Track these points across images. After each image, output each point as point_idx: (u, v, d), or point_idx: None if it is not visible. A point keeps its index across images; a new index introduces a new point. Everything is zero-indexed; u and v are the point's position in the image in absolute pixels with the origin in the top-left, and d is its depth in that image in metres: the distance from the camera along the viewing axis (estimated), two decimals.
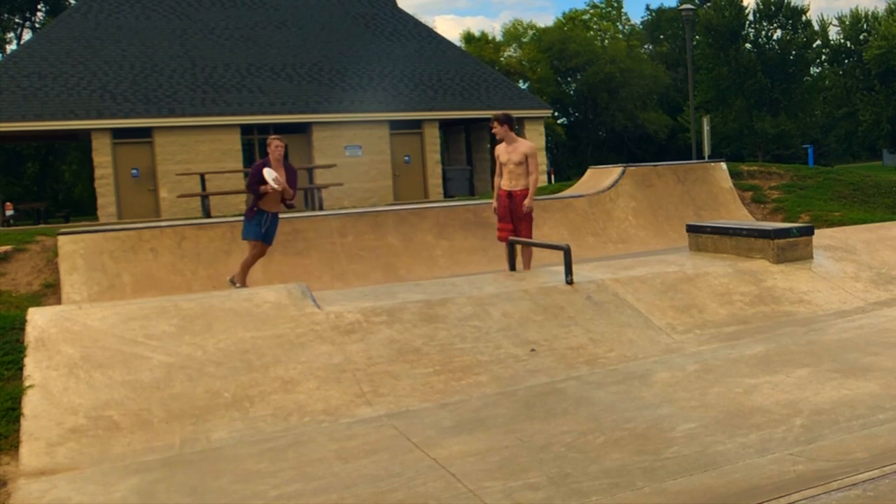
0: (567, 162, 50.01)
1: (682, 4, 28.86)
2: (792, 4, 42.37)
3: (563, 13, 65.13)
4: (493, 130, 8.13)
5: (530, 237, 8.30)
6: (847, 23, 45.58)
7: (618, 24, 59.24)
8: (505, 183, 8.17)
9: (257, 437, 4.52)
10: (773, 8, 42.27)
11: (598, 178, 13.22)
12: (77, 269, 8.93)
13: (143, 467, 4.09)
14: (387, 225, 10.49)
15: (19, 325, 5.50)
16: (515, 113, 10.25)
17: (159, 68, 22.43)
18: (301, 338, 5.50)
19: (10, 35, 43.34)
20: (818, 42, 44.66)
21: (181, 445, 4.43)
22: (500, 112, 8.27)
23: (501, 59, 50.62)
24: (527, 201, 8.10)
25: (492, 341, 5.74)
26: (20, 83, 20.78)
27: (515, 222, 8.15)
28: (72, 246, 9.09)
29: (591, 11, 57.69)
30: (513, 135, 8.15)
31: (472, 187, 25.24)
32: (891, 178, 15.24)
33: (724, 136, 42.36)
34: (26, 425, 4.48)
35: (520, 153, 8.08)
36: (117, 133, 20.76)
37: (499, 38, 55.75)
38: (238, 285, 8.18)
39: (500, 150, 8.20)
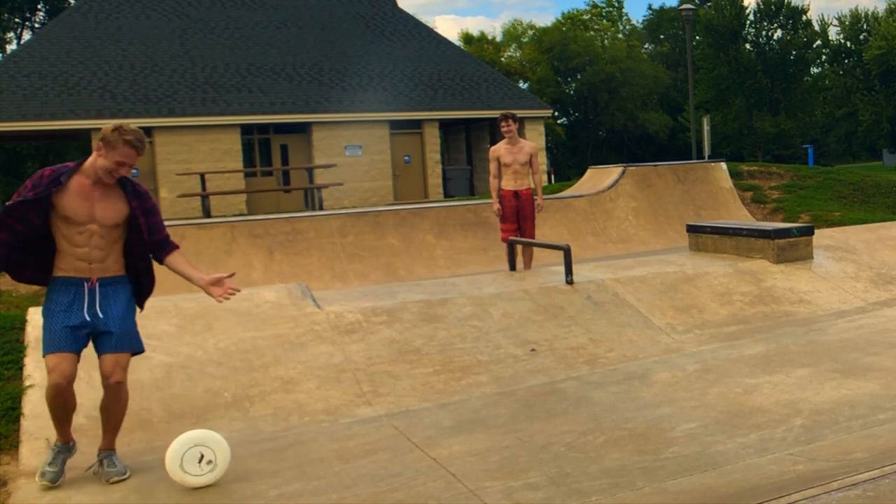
0: (567, 162, 50.02)
1: (682, 4, 28.85)
2: (792, 4, 42.39)
3: (563, 13, 65.18)
4: (508, 129, 7.96)
5: (535, 236, 8.32)
6: (847, 23, 45.62)
7: (618, 24, 59.26)
8: (510, 183, 8.11)
9: (257, 436, 4.52)
10: (774, 8, 42.28)
11: (598, 178, 13.22)
12: None
13: (144, 467, 4.08)
14: (387, 225, 10.49)
15: (19, 324, 5.51)
16: (515, 113, 10.18)
17: (159, 68, 22.44)
18: (301, 338, 5.50)
19: (10, 35, 43.35)
20: (818, 42, 44.68)
21: None
22: (507, 111, 8.22)
23: (502, 59, 50.62)
24: (540, 200, 8.25)
25: (492, 341, 5.74)
26: (20, 83, 20.78)
27: (522, 222, 8.14)
28: None
29: (592, 11, 57.70)
30: (517, 135, 8.18)
31: (472, 187, 25.25)
32: (891, 178, 15.23)
33: (724, 136, 42.39)
34: (26, 425, 4.48)
35: (525, 153, 8.08)
36: None
37: (499, 38, 55.81)
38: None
39: (502, 150, 8.10)
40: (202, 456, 3.79)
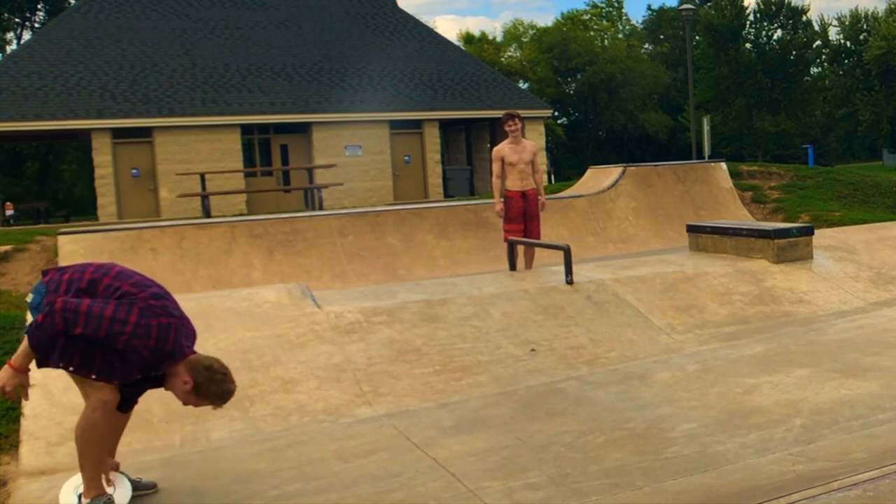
0: (567, 162, 50.01)
1: (682, 4, 28.85)
2: (792, 4, 42.42)
3: (563, 13, 65.18)
4: (514, 127, 7.98)
5: (540, 237, 8.34)
6: (847, 23, 45.66)
7: (618, 24, 59.26)
8: (516, 184, 8.08)
9: (257, 436, 4.51)
10: (774, 8, 42.32)
11: (598, 178, 13.21)
12: None
13: (143, 467, 4.08)
14: (387, 225, 10.48)
15: (19, 324, 5.50)
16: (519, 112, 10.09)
17: (159, 68, 22.44)
18: (301, 337, 5.50)
19: (10, 35, 43.35)
20: (818, 42, 44.71)
21: (181, 445, 4.43)
22: (511, 111, 8.23)
23: (502, 59, 50.62)
24: (543, 198, 8.34)
25: (492, 341, 5.74)
26: (20, 83, 20.78)
27: (528, 222, 8.16)
28: (72, 246, 9.08)
29: (592, 11, 57.70)
30: (521, 134, 8.22)
31: (472, 187, 25.25)
32: (891, 178, 15.24)
33: (724, 136, 42.41)
34: (26, 425, 4.48)
35: (529, 152, 8.13)
36: (117, 133, 20.77)
37: (500, 38, 55.82)
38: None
39: (506, 150, 8.09)
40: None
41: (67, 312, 3.23)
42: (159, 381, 3.63)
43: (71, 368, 3.37)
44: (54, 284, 3.42)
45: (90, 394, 3.43)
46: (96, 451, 3.47)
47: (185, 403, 3.60)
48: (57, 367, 3.37)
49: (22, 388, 3.35)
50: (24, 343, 3.32)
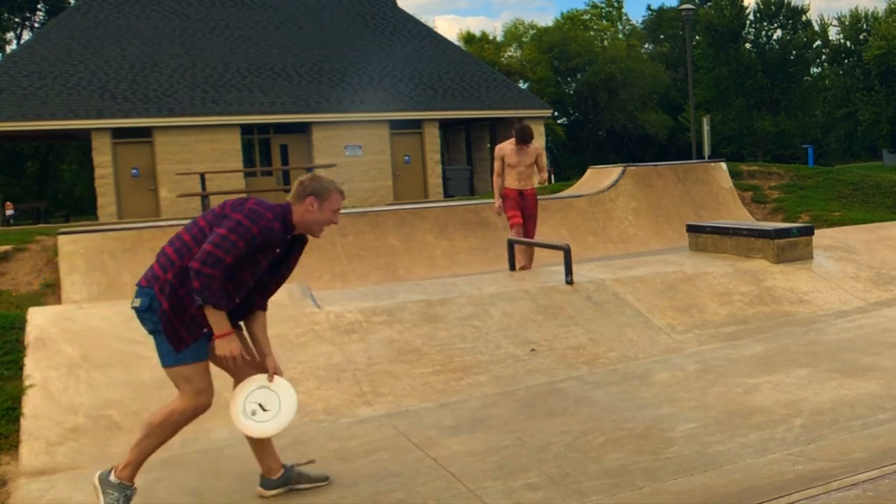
0: (567, 162, 50.00)
1: (682, 4, 28.84)
2: (792, 4, 42.43)
3: (563, 13, 65.13)
4: (522, 149, 8.16)
5: (537, 236, 8.41)
6: (847, 23, 45.68)
7: (618, 24, 59.24)
8: (514, 183, 8.19)
9: None
10: (774, 8, 42.33)
11: (598, 177, 13.21)
12: (77, 268, 8.92)
13: (144, 467, 4.08)
14: (387, 225, 10.49)
15: (19, 324, 5.50)
16: (515, 113, 10.05)
17: (159, 68, 22.44)
18: (301, 337, 5.50)
19: (10, 35, 43.35)
20: (818, 42, 44.72)
21: (181, 445, 4.42)
22: (525, 133, 8.19)
23: (502, 59, 50.60)
24: (544, 175, 8.48)
25: (492, 341, 5.74)
26: (20, 83, 20.79)
27: (525, 221, 8.24)
28: (72, 246, 9.08)
29: (591, 11, 57.68)
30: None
31: (472, 187, 25.24)
32: (891, 178, 15.23)
33: (724, 135, 42.41)
34: (26, 425, 4.48)
35: (531, 154, 8.22)
36: (117, 133, 20.78)
37: (500, 38, 55.79)
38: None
39: (509, 150, 8.17)
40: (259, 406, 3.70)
41: (208, 258, 3.33)
42: (303, 238, 3.78)
43: (251, 285, 3.57)
44: (158, 284, 3.50)
45: (186, 390, 3.52)
46: (158, 443, 3.58)
47: (332, 218, 3.69)
48: (244, 295, 3.56)
49: (243, 347, 3.52)
50: (212, 311, 3.39)
